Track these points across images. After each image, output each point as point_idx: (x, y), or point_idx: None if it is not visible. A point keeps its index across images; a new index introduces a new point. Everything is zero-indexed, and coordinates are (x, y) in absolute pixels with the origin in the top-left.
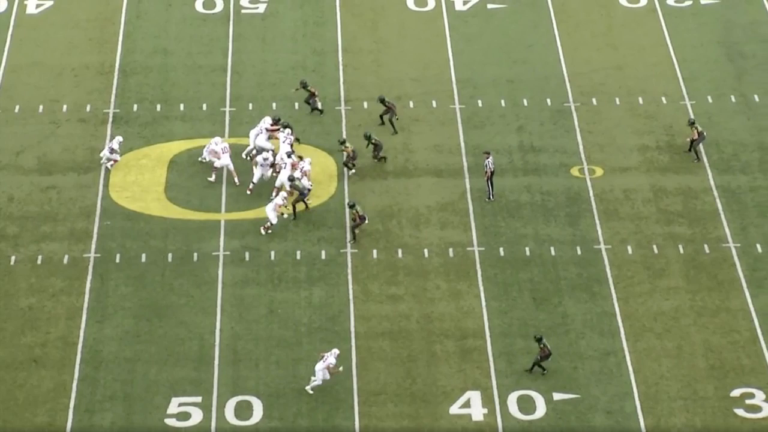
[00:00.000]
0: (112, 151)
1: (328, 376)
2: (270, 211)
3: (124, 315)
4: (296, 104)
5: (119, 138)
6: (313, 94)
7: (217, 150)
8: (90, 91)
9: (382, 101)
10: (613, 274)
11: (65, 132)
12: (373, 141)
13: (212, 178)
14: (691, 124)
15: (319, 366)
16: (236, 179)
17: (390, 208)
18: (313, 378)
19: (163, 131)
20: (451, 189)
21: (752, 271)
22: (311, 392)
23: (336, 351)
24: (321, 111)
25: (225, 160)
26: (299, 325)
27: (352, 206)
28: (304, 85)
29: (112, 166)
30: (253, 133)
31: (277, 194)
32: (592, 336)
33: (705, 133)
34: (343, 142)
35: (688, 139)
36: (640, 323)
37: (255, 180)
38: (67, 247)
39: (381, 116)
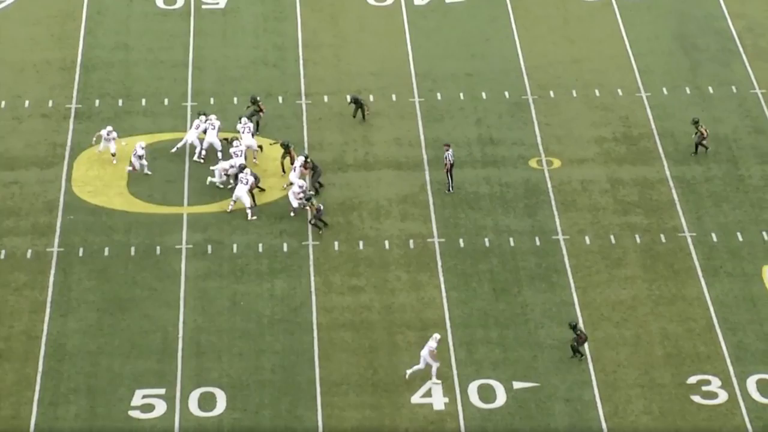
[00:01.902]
0: (140, 158)
1: (431, 361)
2: (292, 198)
3: (87, 308)
4: (257, 98)
5: (141, 143)
6: (260, 111)
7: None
8: (52, 87)
9: (355, 101)
10: (571, 264)
11: (28, 127)
12: (309, 163)
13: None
14: (695, 123)
15: (424, 352)
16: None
17: (351, 200)
18: (415, 364)
19: (125, 126)
20: (411, 181)
21: (707, 260)
22: (407, 376)
23: (437, 336)
24: (257, 129)
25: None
26: (262, 317)
27: (308, 199)
28: (254, 101)
29: (132, 171)
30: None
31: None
32: (551, 325)
33: (708, 132)
34: (306, 158)
35: (696, 137)
36: (598, 312)
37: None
38: (30, 242)
39: (354, 112)
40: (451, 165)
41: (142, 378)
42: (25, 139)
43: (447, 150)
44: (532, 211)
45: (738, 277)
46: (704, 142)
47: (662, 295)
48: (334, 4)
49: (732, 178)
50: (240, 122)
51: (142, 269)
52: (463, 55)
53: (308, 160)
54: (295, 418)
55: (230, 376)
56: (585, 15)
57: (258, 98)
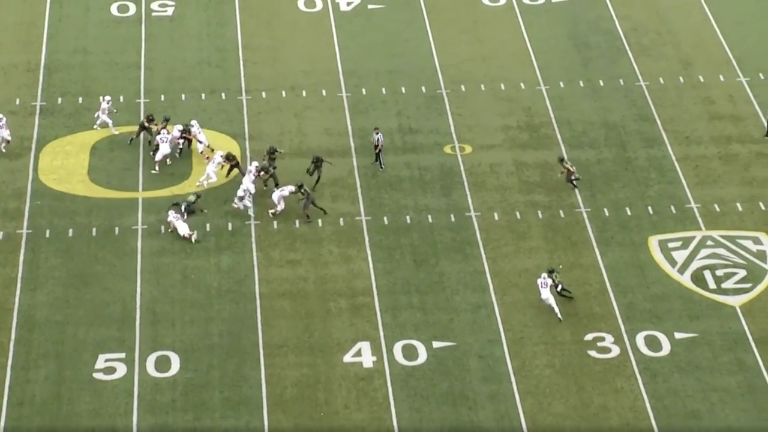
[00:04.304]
0: (241, 199)
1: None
2: (276, 196)
3: (54, 283)
4: (203, 95)
5: (243, 186)
6: (274, 158)
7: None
8: (18, 87)
9: (316, 160)
10: (482, 238)
11: None
12: (303, 191)
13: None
14: (561, 160)
15: (545, 294)
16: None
17: (287, 185)
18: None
19: (85, 121)
20: (341, 167)
21: (601, 232)
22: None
23: (545, 274)
24: (275, 183)
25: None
26: (210, 289)
27: (176, 204)
28: (272, 151)
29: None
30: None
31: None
32: (466, 292)
33: (576, 172)
34: (300, 186)
35: (561, 173)
36: (506, 280)
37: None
38: (2, 225)
39: (309, 170)
40: (382, 146)
41: (104, 344)
42: None
43: (377, 133)
44: (448, 192)
45: (627, 247)
46: (572, 178)
47: (562, 263)
48: (270, 10)
49: (621, 160)
50: (191, 124)
51: (103, 248)
52: (384, 55)
53: (303, 188)
54: (241, 377)
55: (183, 341)
56: (491, 18)
57: (275, 148)
